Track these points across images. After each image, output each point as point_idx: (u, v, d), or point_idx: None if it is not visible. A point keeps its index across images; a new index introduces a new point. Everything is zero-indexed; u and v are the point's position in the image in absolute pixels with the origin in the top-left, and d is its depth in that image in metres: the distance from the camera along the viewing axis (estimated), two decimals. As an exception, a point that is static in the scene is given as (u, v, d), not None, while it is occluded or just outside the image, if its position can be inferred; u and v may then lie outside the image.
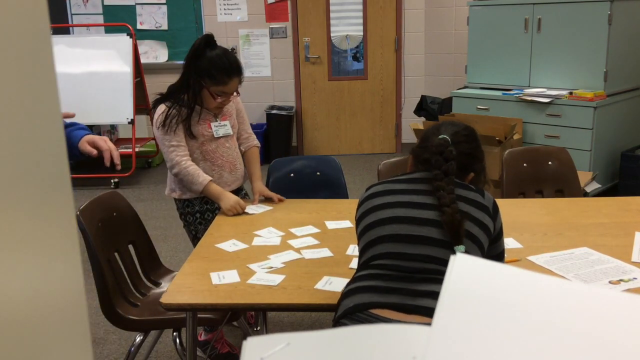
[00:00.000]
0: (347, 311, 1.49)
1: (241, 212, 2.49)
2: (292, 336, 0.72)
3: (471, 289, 0.73)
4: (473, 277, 0.75)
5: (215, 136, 2.55)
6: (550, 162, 3.03)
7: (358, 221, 1.68)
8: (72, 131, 2.02)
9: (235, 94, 2.53)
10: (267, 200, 2.64)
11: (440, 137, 1.67)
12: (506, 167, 3.00)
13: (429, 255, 1.52)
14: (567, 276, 1.83)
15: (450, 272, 0.74)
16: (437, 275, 1.49)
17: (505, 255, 2.02)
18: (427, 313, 1.42)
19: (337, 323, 1.53)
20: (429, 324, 1.44)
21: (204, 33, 2.56)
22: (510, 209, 2.48)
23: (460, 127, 1.74)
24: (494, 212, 1.65)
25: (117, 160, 2.00)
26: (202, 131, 2.53)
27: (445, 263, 1.49)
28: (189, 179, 2.47)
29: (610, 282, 1.79)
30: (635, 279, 1.80)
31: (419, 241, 1.53)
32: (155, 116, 2.52)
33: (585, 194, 4.00)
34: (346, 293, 1.55)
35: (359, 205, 1.71)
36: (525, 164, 3.03)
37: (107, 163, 2.00)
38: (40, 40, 0.61)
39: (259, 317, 2.94)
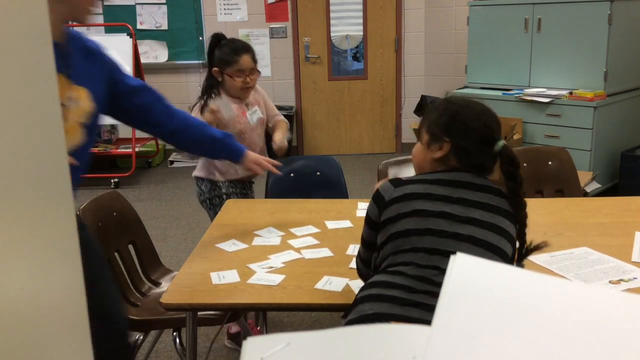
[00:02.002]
0: (365, 317, 1.41)
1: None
2: (292, 336, 0.72)
3: (471, 289, 0.73)
4: (473, 277, 0.75)
5: (251, 123, 2.78)
6: (550, 162, 3.03)
7: (389, 220, 1.54)
8: (234, 142, 2.30)
9: (257, 73, 2.74)
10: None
11: (501, 144, 1.57)
12: (506, 167, 3.00)
13: None
14: (567, 276, 1.83)
15: (450, 272, 0.74)
16: None
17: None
18: None
19: (349, 325, 1.44)
20: None
21: (214, 32, 2.80)
22: (510, 209, 2.47)
23: (497, 119, 1.63)
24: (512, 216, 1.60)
25: (274, 170, 2.38)
26: (238, 119, 2.74)
27: None
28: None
29: (610, 281, 1.79)
30: (635, 278, 1.80)
31: None
32: (193, 110, 2.73)
33: (585, 194, 4.00)
34: (364, 297, 1.46)
35: (389, 203, 1.56)
36: (525, 164, 3.02)
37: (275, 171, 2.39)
38: (40, 40, 0.61)
39: (259, 317, 2.94)
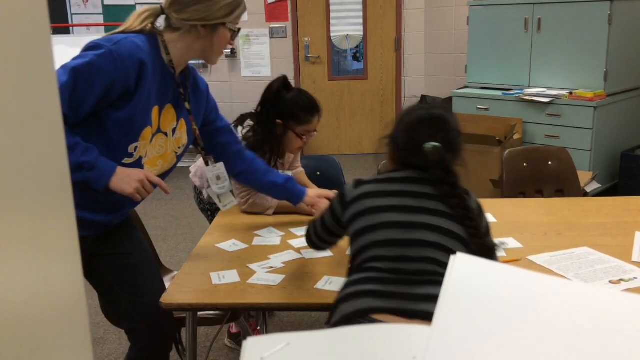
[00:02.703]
0: (347, 316, 1.45)
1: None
2: (292, 336, 0.72)
3: (471, 289, 0.73)
4: (473, 277, 0.75)
5: None
6: (550, 162, 3.03)
7: (349, 221, 1.62)
8: (295, 186, 2.33)
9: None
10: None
11: (431, 145, 1.55)
12: (506, 167, 3.00)
13: (427, 257, 1.49)
14: (567, 276, 1.83)
15: (450, 272, 0.74)
16: (436, 277, 1.46)
17: (500, 254, 2.01)
18: (429, 317, 1.41)
19: (335, 327, 1.49)
20: None
21: (281, 75, 2.53)
22: (510, 209, 2.48)
23: (442, 121, 1.62)
24: (479, 214, 1.61)
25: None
26: None
27: (443, 265, 1.47)
28: (259, 209, 2.50)
29: (610, 281, 1.79)
30: (635, 278, 1.80)
31: (415, 244, 1.51)
32: None
33: (585, 194, 4.00)
34: (344, 298, 1.50)
35: (349, 203, 1.64)
36: (525, 164, 3.03)
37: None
38: (40, 40, 0.61)
39: (259, 317, 2.94)
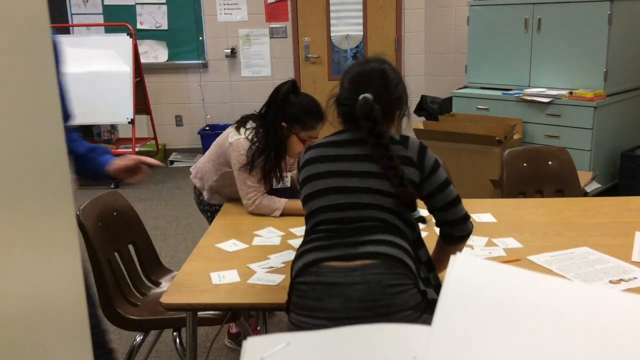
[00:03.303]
0: (299, 271, 1.61)
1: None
2: (292, 336, 0.72)
3: (471, 289, 0.73)
4: (473, 277, 0.75)
5: (273, 187, 2.60)
6: (550, 162, 3.03)
7: (301, 185, 1.75)
8: (98, 156, 2.09)
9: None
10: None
11: (362, 97, 1.65)
12: (506, 167, 3.00)
13: (364, 216, 1.62)
14: (567, 276, 1.83)
15: (451, 272, 0.74)
16: (374, 228, 1.61)
17: (499, 254, 2.01)
18: (369, 257, 1.56)
19: (293, 284, 1.64)
20: (371, 264, 1.56)
21: (290, 79, 2.52)
22: (510, 209, 2.48)
23: (377, 72, 1.71)
24: (419, 158, 1.68)
25: (154, 162, 2.19)
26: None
27: (378, 219, 1.62)
28: (266, 211, 2.50)
29: (610, 281, 1.79)
30: (635, 278, 1.80)
31: (352, 207, 1.64)
32: (236, 153, 2.49)
33: (585, 194, 4.00)
34: (296, 257, 1.67)
35: (301, 168, 1.77)
36: (525, 164, 3.02)
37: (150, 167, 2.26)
38: (41, 40, 0.61)
39: (259, 317, 2.94)
